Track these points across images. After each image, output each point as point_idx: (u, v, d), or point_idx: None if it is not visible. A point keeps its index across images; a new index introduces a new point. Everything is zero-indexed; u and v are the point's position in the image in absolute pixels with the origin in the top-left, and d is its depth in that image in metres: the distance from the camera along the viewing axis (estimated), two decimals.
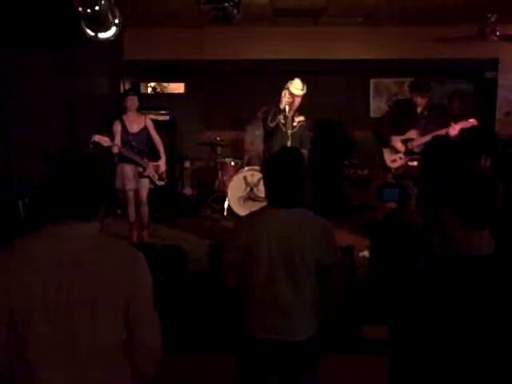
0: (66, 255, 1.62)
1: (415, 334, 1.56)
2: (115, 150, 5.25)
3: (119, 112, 5.65)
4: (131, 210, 5.58)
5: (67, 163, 1.71)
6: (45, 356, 1.60)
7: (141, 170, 5.47)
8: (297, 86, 5.22)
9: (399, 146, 5.12)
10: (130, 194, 5.53)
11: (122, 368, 1.70)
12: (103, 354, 1.64)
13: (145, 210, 5.60)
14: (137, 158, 5.41)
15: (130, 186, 5.50)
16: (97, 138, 5.12)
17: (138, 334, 1.69)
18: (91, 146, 5.14)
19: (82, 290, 1.61)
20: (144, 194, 5.55)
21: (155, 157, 5.59)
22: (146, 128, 5.53)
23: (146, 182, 5.55)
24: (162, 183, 5.69)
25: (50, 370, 1.60)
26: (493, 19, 6.01)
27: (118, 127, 5.41)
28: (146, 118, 5.61)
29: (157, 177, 5.58)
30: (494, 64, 7.44)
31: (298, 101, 5.25)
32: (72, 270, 1.61)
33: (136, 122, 5.49)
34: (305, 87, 5.26)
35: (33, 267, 1.60)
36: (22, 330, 1.59)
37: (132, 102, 5.44)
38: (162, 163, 5.62)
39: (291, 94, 5.19)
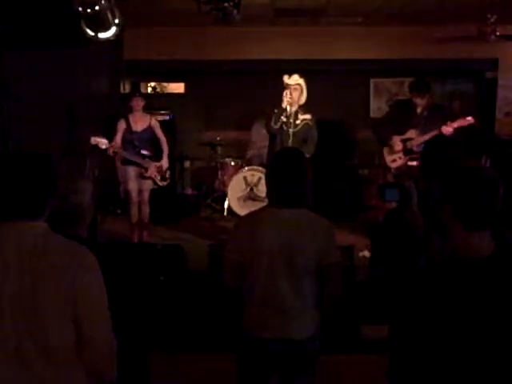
0: (8, 257, 1.60)
1: (415, 334, 1.56)
2: (110, 152, 5.23)
3: (121, 112, 5.65)
4: (134, 210, 5.54)
5: (3, 163, 1.69)
6: None
7: (142, 170, 5.45)
8: (292, 77, 5.20)
9: (398, 145, 5.12)
10: (133, 195, 5.51)
11: (75, 370, 1.68)
12: (52, 356, 1.62)
13: (146, 210, 5.59)
14: (138, 159, 5.39)
15: (133, 186, 5.48)
16: (93, 140, 5.10)
17: (84, 335, 1.66)
18: (90, 149, 5.13)
19: (26, 292, 1.59)
20: (146, 194, 5.55)
21: (159, 157, 5.58)
22: (150, 127, 5.52)
23: (148, 183, 5.53)
24: (165, 183, 5.66)
25: None
26: (493, 19, 6.02)
27: (122, 125, 5.40)
28: (151, 118, 5.61)
29: (159, 177, 5.55)
30: (494, 64, 7.44)
31: (295, 94, 5.18)
32: (15, 270, 1.59)
33: (141, 122, 5.48)
34: (301, 80, 5.21)
35: None
36: None
37: (137, 102, 5.43)
38: (163, 162, 5.59)
39: (287, 85, 5.16)
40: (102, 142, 5.13)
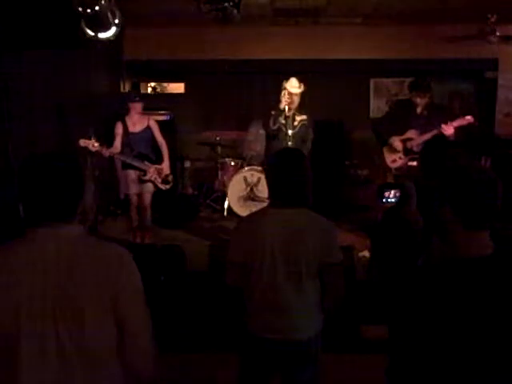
0: (48, 259, 1.61)
1: (414, 333, 1.56)
2: (106, 153, 5.07)
3: (120, 112, 5.58)
4: (134, 214, 5.41)
5: (33, 166, 1.68)
6: (31, 359, 1.59)
7: (141, 174, 5.29)
8: (293, 84, 5.18)
9: (398, 145, 5.12)
10: (134, 199, 5.36)
11: (114, 370, 1.70)
12: (93, 357, 1.64)
13: (147, 214, 5.43)
14: (135, 162, 5.24)
15: (133, 190, 5.33)
16: (82, 142, 4.93)
17: (127, 334, 1.68)
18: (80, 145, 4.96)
19: (67, 293, 1.60)
20: (147, 198, 5.39)
21: (160, 159, 5.42)
22: (148, 129, 5.36)
23: (149, 186, 5.37)
24: (167, 187, 5.47)
25: (37, 373, 1.60)
26: (493, 19, 6.02)
27: (119, 129, 5.27)
28: (149, 119, 5.43)
29: (160, 180, 5.38)
30: (494, 64, 7.44)
31: (296, 99, 5.18)
32: (56, 273, 1.60)
33: (139, 123, 5.33)
34: (302, 85, 5.20)
35: (16, 275, 1.59)
36: (8, 334, 1.58)
37: (134, 108, 5.28)
38: (165, 166, 5.42)
39: (289, 93, 5.16)
40: (92, 144, 4.93)
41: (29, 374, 1.59)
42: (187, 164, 7.82)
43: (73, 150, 5.21)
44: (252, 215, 2.57)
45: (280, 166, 2.45)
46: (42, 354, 1.60)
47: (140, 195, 5.38)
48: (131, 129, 5.30)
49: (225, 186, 6.74)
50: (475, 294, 1.51)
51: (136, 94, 5.85)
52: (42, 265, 1.61)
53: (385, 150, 5.28)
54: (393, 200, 2.61)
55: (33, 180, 1.66)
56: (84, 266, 1.63)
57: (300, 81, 5.20)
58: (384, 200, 2.62)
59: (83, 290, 1.61)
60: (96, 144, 4.96)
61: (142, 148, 5.33)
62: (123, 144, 5.27)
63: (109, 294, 1.63)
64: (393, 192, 2.61)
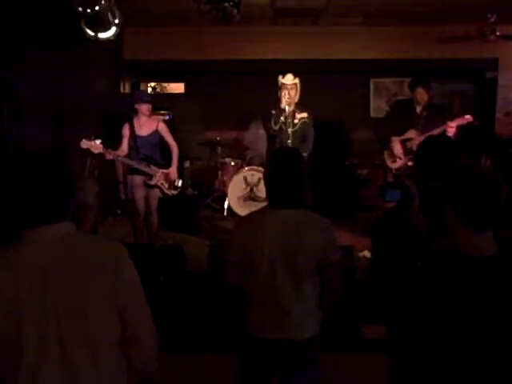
0: (45, 261, 1.61)
1: (414, 333, 1.56)
2: (109, 156, 4.84)
3: (123, 113, 5.44)
4: (139, 220, 5.18)
5: (20, 170, 1.69)
6: (37, 358, 1.60)
7: (147, 178, 5.07)
8: (287, 77, 5.19)
9: (398, 148, 5.12)
10: (139, 204, 5.13)
11: (118, 366, 1.71)
12: (97, 354, 1.65)
13: (154, 219, 5.23)
14: (141, 166, 5.01)
15: (140, 195, 5.11)
16: (84, 144, 4.68)
17: (130, 330, 1.69)
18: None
19: (67, 293, 1.61)
20: (154, 203, 5.18)
21: (169, 164, 5.20)
22: (157, 132, 5.12)
23: (155, 191, 5.15)
24: (174, 193, 5.23)
25: (43, 371, 1.61)
26: (493, 19, 6.02)
27: (126, 131, 5.05)
28: (158, 122, 5.22)
29: (166, 185, 5.15)
30: (494, 64, 7.45)
31: (293, 93, 5.15)
32: (53, 274, 1.61)
33: (146, 126, 5.09)
34: (296, 79, 5.19)
35: (15, 278, 1.60)
36: (13, 339, 1.59)
37: (142, 109, 5.05)
38: (172, 170, 5.18)
39: (285, 86, 5.14)
40: (95, 146, 4.69)
41: (28, 372, 1.60)
42: (187, 164, 7.81)
43: (71, 151, 5.20)
44: (251, 215, 2.57)
45: (276, 166, 2.45)
46: (46, 353, 1.60)
47: (146, 200, 5.16)
48: (138, 132, 5.06)
49: (225, 185, 6.74)
50: (476, 294, 1.51)
51: (145, 94, 5.59)
52: (40, 264, 1.61)
53: (385, 152, 5.28)
54: (394, 201, 2.61)
55: (21, 182, 1.66)
56: (81, 263, 1.64)
57: (295, 76, 5.19)
58: (385, 201, 2.62)
59: (82, 286, 1.62)
60: (99, 146, 4.74)
61: (150, 152, 5.11)
62: (130, 147, 5.07)
63: (108, 291, 1.64)
64: (394, 192, 2.61)
